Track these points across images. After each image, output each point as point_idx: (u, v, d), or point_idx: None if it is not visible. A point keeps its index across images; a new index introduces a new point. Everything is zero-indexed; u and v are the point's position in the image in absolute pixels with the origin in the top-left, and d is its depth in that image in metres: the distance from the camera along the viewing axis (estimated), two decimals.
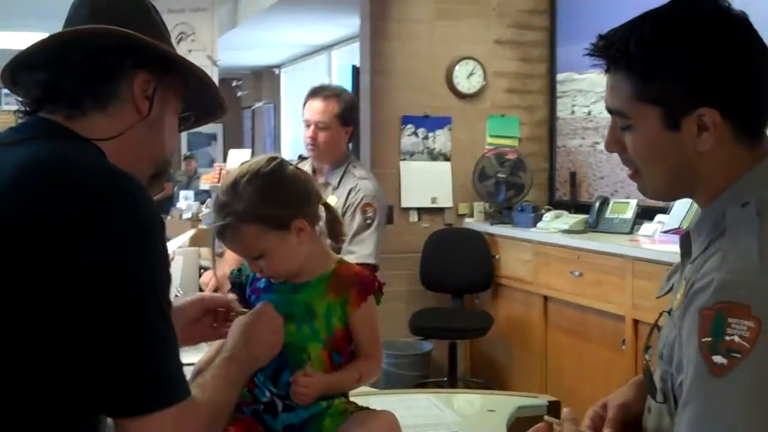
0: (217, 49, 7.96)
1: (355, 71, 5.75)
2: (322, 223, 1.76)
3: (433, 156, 5.60)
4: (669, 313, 1.38)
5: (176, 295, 2.61)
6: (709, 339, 1.17)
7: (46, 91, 1.32)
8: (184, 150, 13.08)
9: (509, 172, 5.37)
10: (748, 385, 1.14)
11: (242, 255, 1.68)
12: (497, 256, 5.28)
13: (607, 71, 1.34)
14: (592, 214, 4.78)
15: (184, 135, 13.08)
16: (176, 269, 2.91)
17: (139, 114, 1.35)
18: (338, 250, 3.32)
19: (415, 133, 5.55)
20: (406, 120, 5.52)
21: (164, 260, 1.23)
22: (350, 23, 6.38)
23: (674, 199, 1.45)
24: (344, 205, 3.42)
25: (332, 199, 3.40)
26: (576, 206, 5.26)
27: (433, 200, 5.58)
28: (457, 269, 5.34)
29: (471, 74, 5.60)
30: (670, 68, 1.28)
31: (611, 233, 4.58)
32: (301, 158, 3.78)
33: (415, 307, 5.36)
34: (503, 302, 5.30)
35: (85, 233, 1.14)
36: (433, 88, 5.56)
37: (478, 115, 5.66)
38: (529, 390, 4.81)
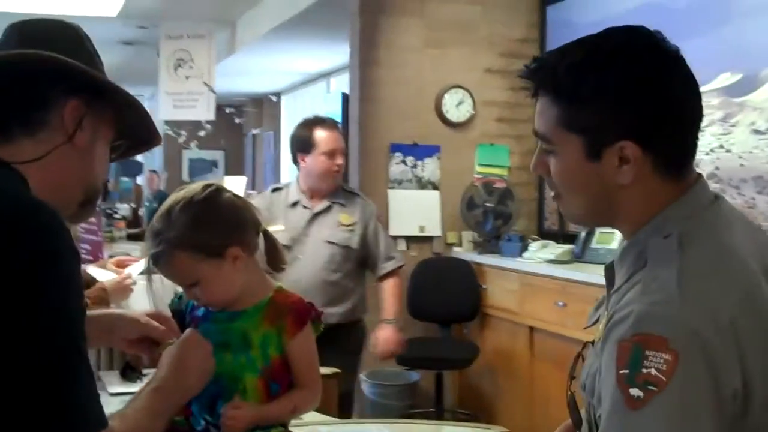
0: (215, 75, 8.00)
1: (345, 99, 5.75)
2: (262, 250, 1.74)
3: (422, 184, 5.58)
4: (593, 344, 1.36)
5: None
6: (627, 371, 1.15)
7: None
8: (185, 176, 13.11)
9: (497, 201, 5.35)
10: (664, 418, 1.12)
11: (177, 283, 1.67)
12: (484, 286, 5.24)
13: (534, 95, 1.33)
14: (577, 244, 4.75)
15: (184, 162, 13.14)
16: (142, 294, 2.90)
17: (68, 138, 1.34)
18: (372, 263, 3.70)
19: (404, 161, 5.54)
20: (394, 148, 5.51)
21: (75, 290, 1.20)
22: (347, 51, 6.39)
23: (596, 226, 1.44)
24: (363, 219, 3.74)
25: (347, 217, 3.69)
26: (564, 236, 5.22)
27: (422, 229, 5.55)
28: (445, 299, 5.30)
29: (460, 103, 5.60)
30: (595, 98, 1.26)
31: (596, 263, 4.54)
32: (277, 189, 3.88)
33: (402, 336, 5.31)
34: (490, 332, 5.25)
35: None
36: (422, 116, 5.56)
37: (467, 143, 5.64)
38: (515, 421, 4.76)
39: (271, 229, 3.65)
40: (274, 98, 11.52)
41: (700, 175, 1.33)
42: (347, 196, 3.77)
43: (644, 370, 1.13)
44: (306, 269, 3.57)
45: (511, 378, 4.97)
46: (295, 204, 3.72)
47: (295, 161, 3.76)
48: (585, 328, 1.47)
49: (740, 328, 1.15)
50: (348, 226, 3.68)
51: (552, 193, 1.39)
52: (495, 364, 5.17)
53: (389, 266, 3.77)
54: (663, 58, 1.27)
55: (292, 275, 3.55)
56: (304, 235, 3.64)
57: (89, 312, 1.77)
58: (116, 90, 1.40)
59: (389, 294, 3.80)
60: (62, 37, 1.41)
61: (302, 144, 3.68)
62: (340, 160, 3.67)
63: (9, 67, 1.31)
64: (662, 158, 1.27)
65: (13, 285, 1.11)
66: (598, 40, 1.30)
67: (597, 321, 1.41)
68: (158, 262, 1.61)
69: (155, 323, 1.72)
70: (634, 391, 1.13)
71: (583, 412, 1.38)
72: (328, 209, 3.69)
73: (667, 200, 1.29)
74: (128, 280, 2.89)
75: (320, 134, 3.66)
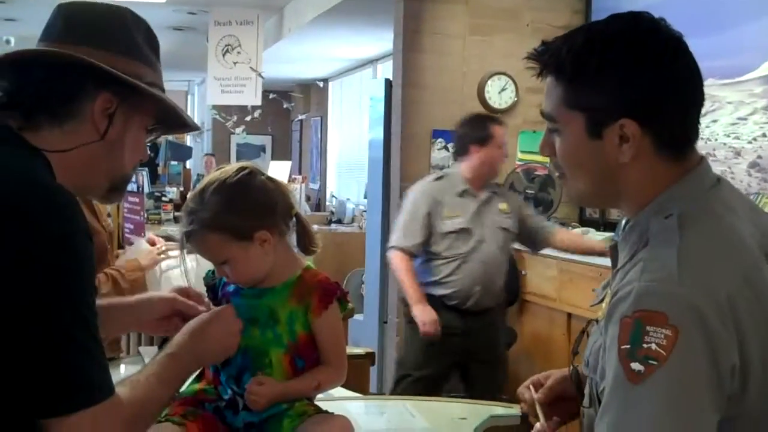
0: (262, 61, 8.09)
1: (388, 84, 5.79)
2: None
3: None
4: (597, 322, 1.40)
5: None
6: (628, 346, 1.19)
7: (6, 99, 1.35)
8: (233, 161, 13.21)
9: (538, 188, 5.36)
10: (664, 392, 1.15)
11: (208, 260, 1.73)
12: (524, 272, 5.26)
13: (539, 75, 1.37)
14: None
15: (232, 146, 13.29)
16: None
17: (98, 133, 1.37)
18: (536, 230, 4.33)
19: (446, 147, 5.56)
20: (436, 134, 5.54)
21: (85, 270, 1.25)
22: (392, 37, 6.45)
23: (601, 206, 1.48)
24: (516, 208, 4.20)
25: (505, 206, 4.15)
26: (605, 224, 5.22)
27: None
28: None
29: (503, 90, 5.61)
30: (595, 77, 1.31)
31: None
32: (439, 178, 4.23)
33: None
34: (529, 318, 5.28)
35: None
36: (464, 102, 5.57)
37: (509, 130, 5.60)
38: None
39: (445, 214, 3.99)
40: (320, 84, 11.58)
41: (703, 157, 1.36)
42: (495, 187, 4.23)
43: (645, 345, 1.16)
44: (490, 252, 4.06)
45: (548, 364, 4.95)
46: (463, 193, 4.07)
47: (465, 152, 4.11)
48: (591, 306, 1.51)
49: (738, 306, 1.18)
50: (507, 213, 4.13)
51: (557, 174, 1.43)
52: (533, 350, 5.19)
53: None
54: (663, 41, 1.31)
55: (479, 257, 4.03)
56: (480, 222, 4.05)
57: (121, 299, 1.82)
58: (138, 88, 1.40)
59: (577, 235, 4.56)
60: (105, 25, 1.42)
61: (480, 136, 4.07)
62: (506, 152, 4.22)
63: (37, 60, 1.35)
64: (661, 137, 1.31)
65: (24, 265, 1.17)
66: (600, 25, 1.35)
67: (602, 300, 1.45)
68: (190, 241, 1.67)
69: (183, 299, 1.77)
70: (636, 366, 1.17)
71: (586, 388, 1.42)
72: (489, 198, 4.10)
73: (668, 181, 1.32)
74: (157, 248, 3.00)
75: (497, 129, 4.12)
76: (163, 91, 1.51)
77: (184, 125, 1.59)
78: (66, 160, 1.35)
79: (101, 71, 1.35)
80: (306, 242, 1.78)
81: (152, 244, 3.02)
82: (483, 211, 4.08)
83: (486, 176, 4.13)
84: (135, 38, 1.45)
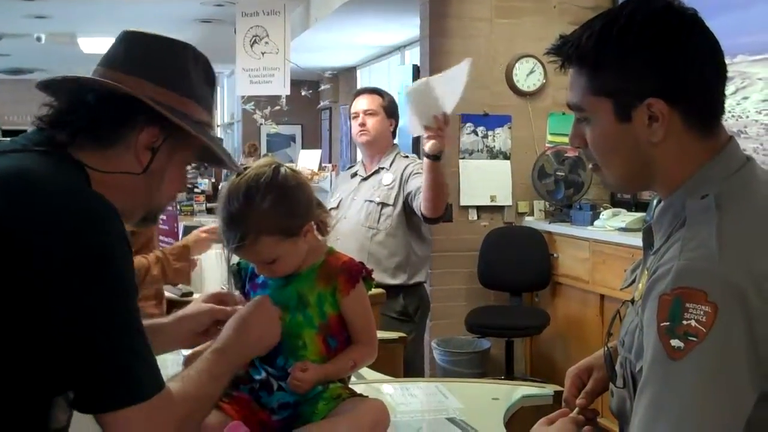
0: (290, 50, 8.10)
1: (416, 70, 5.80)
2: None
3: (493, 154, 5.60)
4: (632, 302, 1.40)
5: (221, 289, 2.69)
6: (668, 323, 1.20)
7: (55, 116, 1.39)
8: (263, 151, 13.28)
9: (568, 170, 5.35)
10: (704, 368, 1.16)
11: (257, 263, 1.75)
12: (555, 255, 5.26)
13: (561, 67, 1.38)
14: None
15: (263, 135, 13.33)
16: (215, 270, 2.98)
17: (139, 164, 1.40)
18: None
19: (475, 132, 5.57)
20: (465, 118, 5.54)
21: (120, 275, 1.28)
22: (418, 23, 6.44)
23: (636, 191, 1.47)
24: (401, 176, 3.63)
25: (389, 177, 3.68)
26: (637, 204, 5.20)
27: (493, 198, 5.58)
28: (516, 268, 5.33)
29: (531, 72, 5.60)
30: (618, 61, 1.31)
31: None
32: (352, 166, 4.01)
33: (473, 305, 5.38)
34: (561, 300, 5.28)
35: (42, 252, 1.21)
36: (492, 86, 5.57)
37: (538, 113, 5.64)
38: None
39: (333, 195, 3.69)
40: (352, 72, 11.55)
41: (732, 137, 1.36)
42: (398, 160, 3.75)
43: (684, 322, 1.17)
44: (348, 228, 3.65)
45: (581, 346, 4.99)
46: (354, 174, 3.87)
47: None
48: (621, 289, 1.52)
49: None
50: (388, 185, 3.67)
51: (590, 165, 1.43)
52: (566, 332, 5.19)
53: None
54: (679, 18, 1.31)
55: (339, 234, 3.54)
56: (350, 199, 3.75)
57: (158, 321, 1.83)
58: (184, 128, 1.41)
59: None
60: (163, 60, 1.45)
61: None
62: (361, 119, 3.70)
63: (96, 85, 1.39)
64: (690, 113, 1.31)
65: (65, 274, 1.22)
66: (615, 10, 1.35)
67: (633, 282, 1.46)
68: (243, 247, 1.68)
69: (219, 306, 1.79)
70: (675, 342, 1.18)
71: (617, 366, 1.42)
72: (373, 174, 3.75)
73: (700, 159, 1.32)
74: (206, 234, 3.01)
75: (355, 101, 3.77)
76: (212, 127, 1.52)
77: (223, 163, 1.58)
78: (105, 179, 1.37)
79: (150, 106, 1.38)
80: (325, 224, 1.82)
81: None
82: (360, 188, 3.76)
83: (366, 153, 3.83)
84: (190, 75, 1.47)
